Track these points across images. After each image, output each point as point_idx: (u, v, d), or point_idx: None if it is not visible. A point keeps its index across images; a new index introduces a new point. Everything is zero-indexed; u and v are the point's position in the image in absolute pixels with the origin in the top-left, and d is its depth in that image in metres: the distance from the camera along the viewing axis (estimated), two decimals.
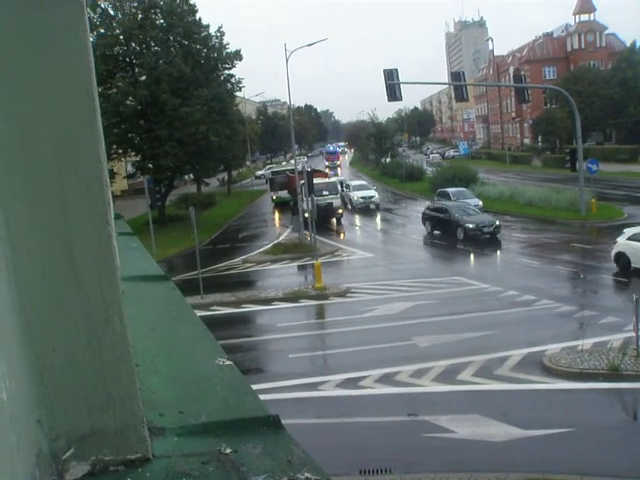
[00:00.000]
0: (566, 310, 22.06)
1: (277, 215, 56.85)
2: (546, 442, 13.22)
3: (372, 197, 53.93)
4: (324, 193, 45.39)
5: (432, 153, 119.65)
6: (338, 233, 45.21)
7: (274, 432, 1.30)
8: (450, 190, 47.32)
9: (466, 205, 40.25)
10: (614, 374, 16.20)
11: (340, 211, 47.40)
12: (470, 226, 36.23)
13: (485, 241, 35.67)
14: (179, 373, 1.65)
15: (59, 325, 1.11)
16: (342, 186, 50.51)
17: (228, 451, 1.21)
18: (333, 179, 49.71)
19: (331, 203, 45.82)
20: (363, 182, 60.47)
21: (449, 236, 37.22)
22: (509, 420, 14.19)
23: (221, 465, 1.16)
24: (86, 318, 1.12)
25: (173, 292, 2.61)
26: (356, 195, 53.87)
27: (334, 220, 47.26)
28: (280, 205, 58.13)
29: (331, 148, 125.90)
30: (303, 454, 1.21)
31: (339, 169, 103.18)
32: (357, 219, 50.97)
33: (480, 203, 45.37)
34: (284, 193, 57.46)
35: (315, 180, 42.96)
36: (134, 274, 2.81)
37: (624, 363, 16.52)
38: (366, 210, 52.74)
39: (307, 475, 1.14)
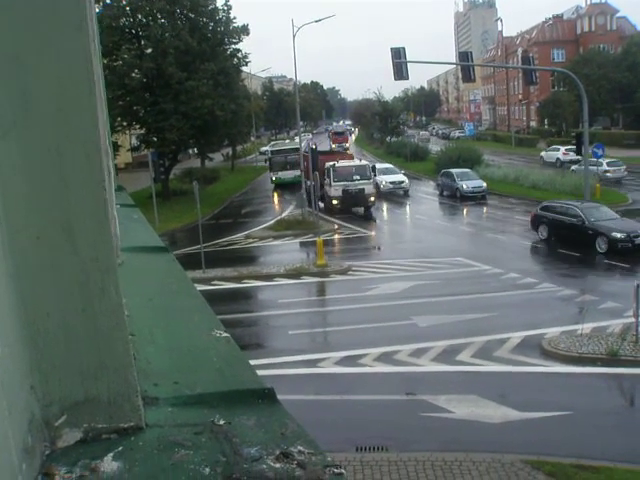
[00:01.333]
0: (567, 294, 22.08)
1: (277, 196, 55.00)
2: (543, 425, 13.29)
3: (402, 182, 49.23)
4: (355, 178, 40.16)
5: (421, 131, 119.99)
6: (369, 226, 38.47)
7: (269, 405, 1.30)
8: (454, 171, 47.14)
9: (599, 205, 31.78)
10: (612, 359, 16.25)
11: (372, 199, 40.90)
12: (619, 236, 26.98)
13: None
14: (175, 344, 1.65)
15: (53, 291, 1.10)
16: (374, 170, 43.69)
17: (222, 422, 1.21)
18: (363, 162, 42.88)
19: (363, 189, 39.99)
20: (389, 165, 54.36)
21: (581, 247, 28.18)
22: (507, 402, 14.25)
23: (214, 436, 1.16)
24: (81, 285, 1.11)
25: (173, 264, 2.60)
26: (384, 180, 48.53)
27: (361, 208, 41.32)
28: (280, 186, 55.82)
29: (339, 128, 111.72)
30: (297, 427, 1.21)
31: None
32: (389, 208, 45.05)
33: (484, 185, 45.34)
34: (285, 174, 55.33)
35: (342, 162, 41.19)
36: (134, 245, 2.80)
37: (623, 348, 16.56)
38: (394, 195, 48.53)
39: (300, 448, 1.13)
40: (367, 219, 39.95)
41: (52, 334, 1.11)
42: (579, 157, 43.16)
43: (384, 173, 49.97)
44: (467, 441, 12.84)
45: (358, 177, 40.20)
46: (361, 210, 41.07)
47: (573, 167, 50.35)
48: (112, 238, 1.14)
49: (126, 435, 1.14)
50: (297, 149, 49.05)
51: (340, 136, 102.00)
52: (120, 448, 1.10)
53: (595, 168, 42.04)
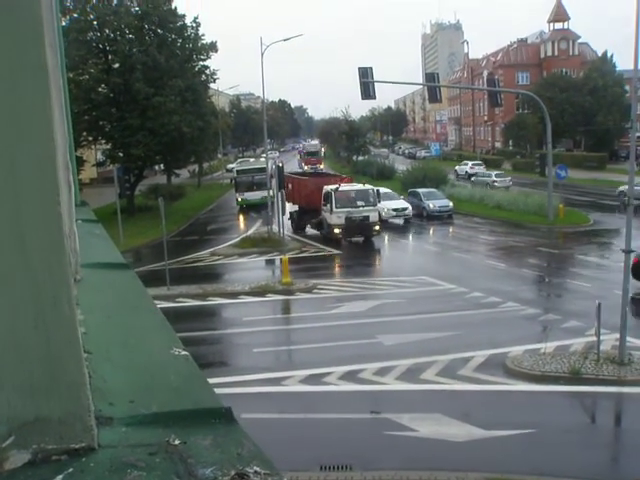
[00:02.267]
0: (530, 313, 22.30)
1: (243, 213, 53.53)
2: (507, 443, 13.37)
3: (405, 209, 44.07)
4: (358, 204, 36.00)
5: (381, 148, 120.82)
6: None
7: (225, 424, 1.28)
8: (421, 191, 47.46)
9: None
10: (575, 377, 16.43)
11: (377, 227, 36.63)
12: None
13: None
14: (133, 362, 1.62)
15: (4, 306, 1.07)
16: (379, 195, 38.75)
17: (177, 442, 1.18)
18: (367, 186, 37.93)
19: (367, 217, 35.94)
20: (387, 189, 47.38)
21: None
22: (471, 420, 14.31)
23: (168, 456, 1.13)
24: (33, 300, 1.08)
25: (133, 281, 2.57)
26: (386, 207, 43.16)
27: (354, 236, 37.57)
28: (246, 208, 53.13)
29: (312, 147, 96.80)
30: (254, 447, 1.19)
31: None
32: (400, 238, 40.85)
33: (450, 204, 45.74)
34: (251, 195, 52.18)
35: (345, 187, 37.15)
36: (95, 261, 2.76)
37: (585, 367, 16.76)
38: (397, 225, 43.75)
39: (256, 469, 1.11)
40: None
41: (1, 350, 1.08)
42: (482, 170, 63.97)
43: (385, 199, 44.10)
44: (431, 459, 12.86)
45: (362, 203, 36.13)
46: (361, 240, 37.37)
47: (472, 178, 64.10)
48: (67, 253, 1.12)
49: (77, 456, 1.11)
50: (264, 169, 47.90)
51: (313, 157, 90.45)
52: (70, 470, 1.07)
53: (486, 179, 58.75)
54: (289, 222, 41.07)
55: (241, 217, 52.75)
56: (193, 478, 1.07)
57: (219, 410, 1.31)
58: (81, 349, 1.14)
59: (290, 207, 40.46)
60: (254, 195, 51.45)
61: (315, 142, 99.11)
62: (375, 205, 36.59)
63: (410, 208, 44.39)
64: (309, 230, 40.77)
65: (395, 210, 43.87)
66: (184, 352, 1.68)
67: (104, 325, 1.89)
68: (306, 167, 79.12)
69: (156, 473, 1.08)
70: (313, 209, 38.52)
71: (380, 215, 39.78)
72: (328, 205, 36.08)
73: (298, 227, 41.59)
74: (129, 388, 1.41)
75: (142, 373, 1.54)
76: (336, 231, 35.85)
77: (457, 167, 77.40)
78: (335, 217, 35.77)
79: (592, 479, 11.99)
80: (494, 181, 58.83)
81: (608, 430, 15.08)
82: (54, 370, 1.10)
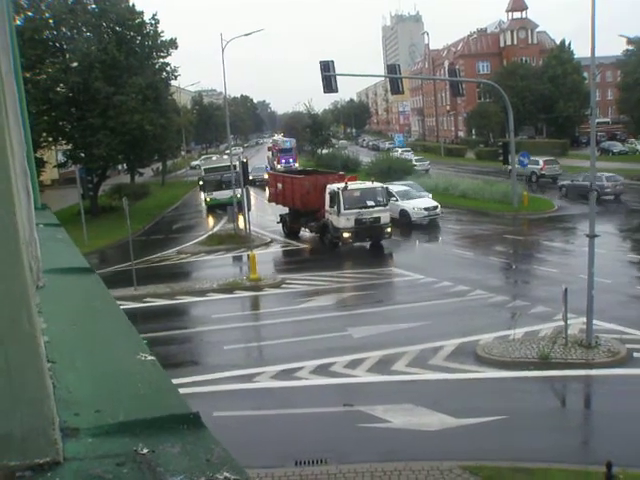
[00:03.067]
0: (499, 300, 22.52)
1: (209, 211, 52.15)
2: (479, 430, 13.50)
3: (436, 207, 38.90)
4: (368, 204, 32.13)
5: (340, 140, 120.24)
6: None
7: (194, 430, 1.26)
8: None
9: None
10: (544, 362, 16.64)
11: (389, 230, 32.66)
12: None
13: None
14: (99, 370, 1.59)
15: None
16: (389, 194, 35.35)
17: (145, 451, 1.17)
18: (377, 184, 33.91)
19: (378, 218, 32.16)
20: (406, 186, 42.57)
21: None
22: (443, 409, 14.41)
23: (136, 466, 1.12)
24: None
25: (97, 285, 2.53)
26: (415, 206, 38.42)
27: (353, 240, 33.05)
28: (215, 207, 50.47)
29: (287, 143, 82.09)
30: (223, 452, 1.18)
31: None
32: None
33: (430, 196, 41.92)
34: (220, 194, 48.88)
35: (353, 185, 33.23)
36: (57, 266, 2.72)
37: (554, 352, 16.98)
38: (424, 226, 37.91)
39: (226, 475, 1.10)
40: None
41: None
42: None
43: (406, 197, 39.69)
44: (406, 450, 12.94)
45: (372, 203, 32.25)
46: (370, 243, 33.57)
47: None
48: (25, 266, 1.09)
49: (42, 471, 1.09)
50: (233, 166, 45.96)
51: (287, 154, 78.18)
52: None
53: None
54: (279, 226, 38.91)
55: (207, 214, 52.45)
56: None
57: (187, 416, 1.29)
58: (44, 362, 1.12)
59: (274, 208, 39.72)
60: (223, 194, 48.12)
61: (290, 138, 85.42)
62: (386, 205, 32.81)
63: (440, 206, 39.32)
64: (303, 234, 37.51)
65: (427, 209, 38.39)
66: (150, 357, 1.66)
67: (68, 332, 1.86)
68: (278, 166, 72.47)
69: None
70: (310, 211, 34.67)
71: (409, 216, 37.75)
72: (335, 206, 31.89)
73: (291, 231, 37.73)
74: (95, 397, 1.39)
75: (108, 381, 1.52)
76: (345, 235, 31.84)
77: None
78: (344, 219, 31.66)
79: (564, 462, 12.16)
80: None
81: (578, 413, 15.32)
82: (14, 387, 1.08)
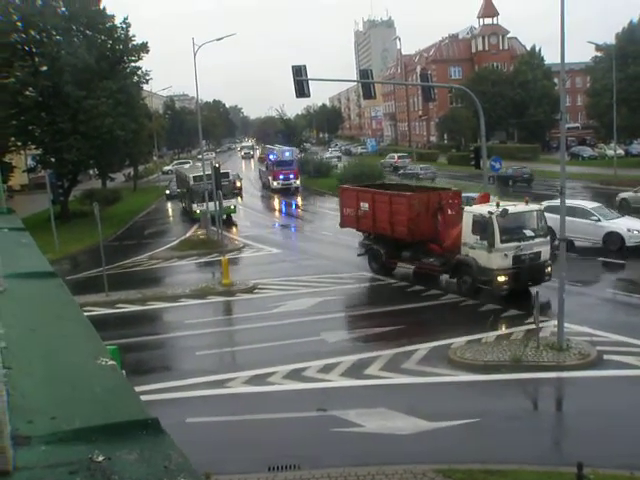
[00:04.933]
0: (471, 304, 22.60)
1: (181, 216, 52.05)
2: (452, 433, 13.52)
3: None
4: (527, 234, 23.19)
5: (312, 146, 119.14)
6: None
7: (153, 436, 1.22)
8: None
9: None
10: (516, 365, 16.73)
11: (550, 270, 23.06)
12: None
13: None
14: (56, 375, 1.55)
15: None
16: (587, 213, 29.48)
17: (100, 459, 1.13)
18: (533, 205, 24.99)
19: (539, 254, 23.09)
20: (592, 203, 33.02)
21: None
22: (416, 413, 14.41)
23: (90, 474, 1.08)
24: None
25: (59, 289, 2.48)
26: (633, 227, 29.15)
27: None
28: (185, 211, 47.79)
29: (287, 154, 65.49)
30: (181, 459, 1.14)
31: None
32: None
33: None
34: (212, 205, 37.47)
35: (512, 208, 23.25)
36: (20, 271, 2.66)
37: (525, 354, 17.08)
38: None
39: None
40: (282, 236, 39.54)
41: None
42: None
43: (605, 216, 30.15)
44: (379, 454, 12.91)
45: (532, 233, 23.31)
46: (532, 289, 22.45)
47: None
48: None
49: None
50: (226, 174, 43.83)
51: (287, 168, 64.03)
52: None
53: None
54: (364, 258, 29.13)
55: (179, 220, 52.14)
56: None
57: (146, 421, 1.25)
58: None
59: (350, 233, 31.57)
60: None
61: (290, 148, 69.63)
62: (546, 235, 23.69)
63: None
64: (399, 270, 28.07)
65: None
66: (111, 362, 1.61)
67: (26, 338, 1.81)
68: (275, 183, 63.57)
69: None
70: (418, 241, 26.11)
71: (623, 241, 28.65)
72: (483, 238, 22.77)
73: (385, 266, 27.96)
74: (51, 403, 1.34)
75: (65, 386, 1.47)
76: (500, 279, 22.49)
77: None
78: (499, 258, 22.52)
79: (535, 463, 12.23)
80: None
81: (550, 415, 15.41)
82: None
